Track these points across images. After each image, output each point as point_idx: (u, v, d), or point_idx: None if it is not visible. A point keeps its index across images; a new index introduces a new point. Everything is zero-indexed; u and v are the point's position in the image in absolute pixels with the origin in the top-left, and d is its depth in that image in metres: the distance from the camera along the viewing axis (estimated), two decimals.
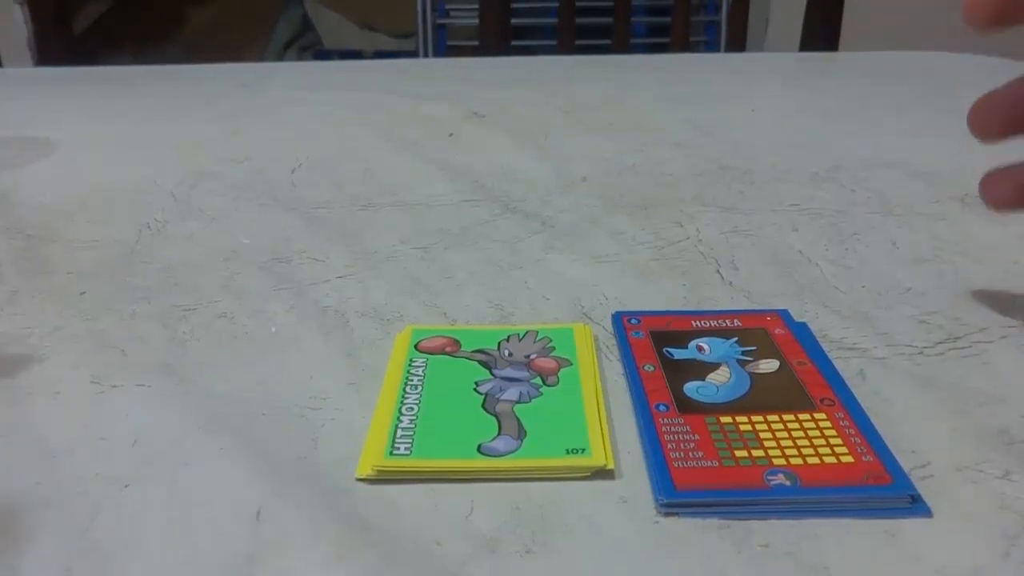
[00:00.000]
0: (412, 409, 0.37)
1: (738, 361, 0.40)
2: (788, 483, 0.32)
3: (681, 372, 0.40)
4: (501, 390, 0.39)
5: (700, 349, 0.41)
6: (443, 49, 2.68)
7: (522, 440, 0.35)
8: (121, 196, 0.64)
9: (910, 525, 0.31)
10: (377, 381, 0.40)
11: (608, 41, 1.38)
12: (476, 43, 1.36)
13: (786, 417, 0.36)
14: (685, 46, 1.36)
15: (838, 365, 0.40)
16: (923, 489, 0.32)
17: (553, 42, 1.39)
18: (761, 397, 0.38)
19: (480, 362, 0.41)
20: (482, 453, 0.34)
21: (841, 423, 0.36)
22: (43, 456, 0.35)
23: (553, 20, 1.39)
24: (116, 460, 0.35)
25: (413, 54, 2.73)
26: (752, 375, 0.39)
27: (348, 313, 0.46)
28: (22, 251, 0.55)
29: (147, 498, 0.33)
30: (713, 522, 0.31)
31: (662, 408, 0.37)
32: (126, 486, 0.33)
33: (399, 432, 0.36)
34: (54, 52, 1.31)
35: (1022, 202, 0.36)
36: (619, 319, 0.45)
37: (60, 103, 0.91)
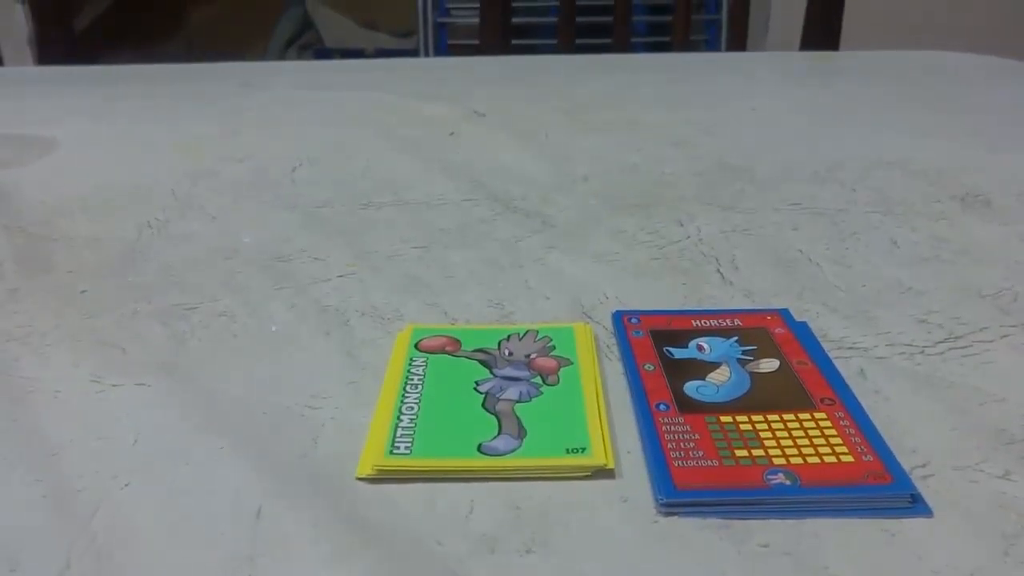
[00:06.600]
0: (412, 408, 0.37)
1: (738, 360, 0.40)
2: (788, 482, 0.32)
3: (681, 371, 0.40)
4: (501, 389, 0.39)
5: (700, 348, 0.41)
6: (444, 48, 2.67)
7: (522, 439, 0.35)
8: (122, 195, 0.64)
9: (910, 525, 0.31)
10: (377, 380, 0.40)
11: (609, 40, 1.38)
12: (477, 42, 1.36)
13: (786, 416, 0.36)
14: (686, 45, 1.36)
15: (838, 364, 0.40)
16: (923, 488, 0.32)
17: (553, 41, 1.39)
18: (761, 396, 0.38)
19: (480, 361, 0.41)
20: (482, 452, 0.34)
21: (841, 422, 0.36)
22: (43, 454, 0.35)
23: (554, 19, 1.39)
24: (116, 459, 0.35)
25: (414, 53, 2.73)
26: (752, 374, 0.39)
27: (348, 312, 0.46)
28: (23, 249, 0.55)
29: (147, 497, 0.33)
30: (713, 521, 0.31)
31: (662, 407, 0.37)
32: (126, 485, 0.33)
33: (399, 431, 0.36)
34: (55, 51, 1.31)
35: None
36: (619, 318, 0.45)
37: (61, 102, 0.91)
